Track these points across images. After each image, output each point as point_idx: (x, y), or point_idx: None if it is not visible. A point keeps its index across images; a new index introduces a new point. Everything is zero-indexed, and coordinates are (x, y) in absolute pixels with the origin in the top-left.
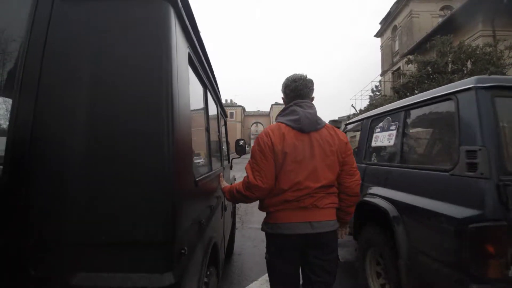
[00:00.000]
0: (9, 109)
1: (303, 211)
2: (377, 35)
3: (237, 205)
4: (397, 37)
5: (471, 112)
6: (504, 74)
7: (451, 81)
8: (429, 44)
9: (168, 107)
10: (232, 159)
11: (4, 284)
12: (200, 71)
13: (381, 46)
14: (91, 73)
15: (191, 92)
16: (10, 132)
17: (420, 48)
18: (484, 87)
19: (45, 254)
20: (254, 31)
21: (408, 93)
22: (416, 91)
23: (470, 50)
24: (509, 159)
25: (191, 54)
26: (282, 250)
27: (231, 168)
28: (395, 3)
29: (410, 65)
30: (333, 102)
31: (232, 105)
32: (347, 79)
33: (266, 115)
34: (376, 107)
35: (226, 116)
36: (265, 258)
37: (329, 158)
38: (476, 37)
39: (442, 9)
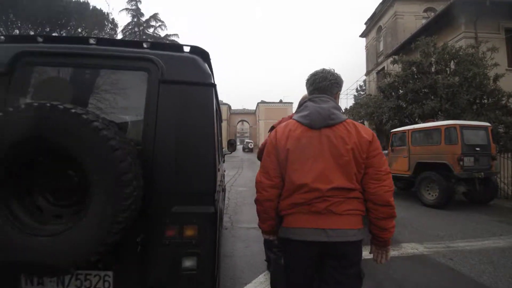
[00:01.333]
0: (142, 137)
1: (316, 216)
2: (362, 35)
3: (226, 203)
4: (382, 38)
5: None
6: (486, 74)
7: (435, 81)
8: (413, 45)
9: (214, 136)
10: (225, 154)
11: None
12: (217, 110)
13: (366, 46)
14: (177, 118)
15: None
16: (143, 144)
17: (404, 48)
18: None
19: (162, 195)
20: (242, 30)
21: (393, 92)
22: (401, 90)
23: (453, 51)
24: None
25: (216, 106)
26: (293, 257)
27: (224, 161)
28: (380, 4)
29: (395, 65)
30: None
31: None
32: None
33: (252, 113)
34: (361, 106)
35: (221, 121)
36: (269, 270)
37: (342, 158)
38: (459, 39)
39: (425, 10)
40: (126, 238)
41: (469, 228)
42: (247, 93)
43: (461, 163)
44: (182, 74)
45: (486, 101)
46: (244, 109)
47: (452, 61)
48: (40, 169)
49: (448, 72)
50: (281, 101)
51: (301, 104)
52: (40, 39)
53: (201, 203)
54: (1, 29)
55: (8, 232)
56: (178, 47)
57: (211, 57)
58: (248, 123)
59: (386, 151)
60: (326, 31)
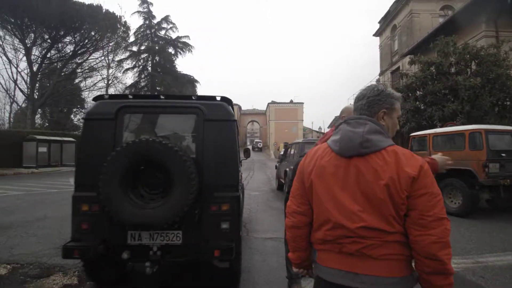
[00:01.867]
0: (196, 152)
1: (348, 257)
2: (376, 34)
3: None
4: (397, 37)
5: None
6: (509, 75)
7: (456, 83)
8: (432, 45)
9: (236, 152)
10: (241, 160)
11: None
12: (237, 133)
13: (380, 46)
14: (214, 140)
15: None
16: (196, 156)
17: (420, 47)
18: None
19: (208, 186)
20: (253, 31)
21: (410, 94)
22: (419, 92)
23: (474, 51)
24: None
25: (236, 132)
26: None
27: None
28: (395, 2)
29: (413, 65)
30: (330, 100)
31: None
32: (345, 78)
33: (262, 113)
34: None
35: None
36: None
37: (375, 195)
38: (479, 38)
39: (442, 8)
40: (189, 211)
41: (497, 240)
42: (258, 93)
43: (486, 169)
44: (216, 115)
45: (509, 103)
46: (254, 109)
47: (473, 62)
48: (142, 173)
49: (469, 73)
50: (291, 101)
51: (338, 125)
52: (130, 97)
53: (230, 191)
54: (17, 32)
55: (130, 208)
56: (213, 97)
57: (222, 55)
58: (258, 123)
59: None
60: (338, 30)
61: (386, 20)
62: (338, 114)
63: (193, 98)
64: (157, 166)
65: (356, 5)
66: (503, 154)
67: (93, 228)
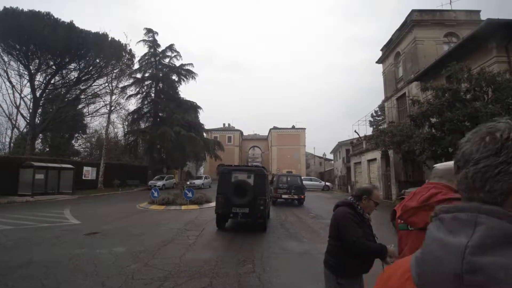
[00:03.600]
0: (253, 183)
1: None
2: (378, 62)
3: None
4: (401, 63)
5: None
6: None
7: (475, 110)
8: (444, 71)
9: (266, 186)
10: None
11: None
12: (267, 178)
13: (384, 72)
14: (258, 181)
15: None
16: (254, 184)
17: (427, 74)
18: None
19: (257, 196)
20: (258, 55)
21: (424, 121)
22: (433, 119)
23: (490, 76)
24: None
25: (267, 178)
26: None
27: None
28: (397, 30)
29: (426, 91)
30: (331, 126)
31: (230, 129)
32: (346, 103)
33: (264, 139)
34: (385, 134)
35: (268, 176)
36: None
37: None
38: (491, 63)
39: (446, 35)
40: (251, 202)
41: None
42: (260, 118)
43: None
44: (259, 172)
45: None
46: (255, 134)
47: (489, 88)
48: (237, 189)
49: (486, 99)
50: (293, 127)
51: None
52: (233, 165)
53: (263, 197)
54: (21, 58)
55: (234, 199)
56: (259, 167)
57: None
58: (260, 149)
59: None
60: (339, 56)
61: (389, 48)
62: (340, 140)
63: (253, 166)
64: (242, 188)
65: (359, 33)
66: None
67: (222, 206)
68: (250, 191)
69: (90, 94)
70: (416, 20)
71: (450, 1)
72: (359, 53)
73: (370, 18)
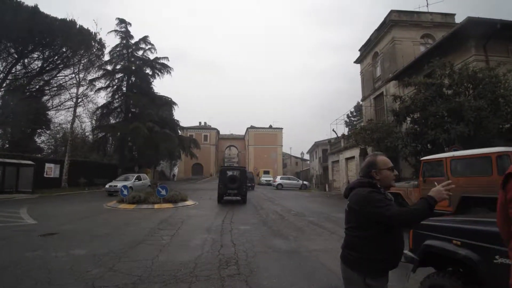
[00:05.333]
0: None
1: None
2: (356, 62)
3: (232, 251)
4: (379, 63)
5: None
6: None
7: (460, 104)
8: (427, 66)
9: (247, 178)
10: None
11: None
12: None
13: (361, 72)
14: (242, 175)
15: None
16: (239, 177)
17: (405, 73)
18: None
19: (243, 184)
20: (235, 54)
21: (407, 116)
22: (417, 115)
23: (472, 72)
24: None
25: (247, 175)
26: None
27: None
28: (376, 30)
29: (404, 88)
30: (308, 126)
31: (206, 127)
32: (323, 103)
33: (241, 138)
34: (365, 131)
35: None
36: None
37: None
38: (470, 62)
39: (422, 37)
40: (240, 186)
41: None
42: (236, 118)
43: None
44: (242, 169)
45: None
46: (231, 134)
47: (471, 83)
48: (231, 180)
49: (467, 94)
50: (271, 127)
51: None
52: (227, 165)
53: (244, 184)
54: None
55: (229, 186)
56: (243, 167)
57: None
58: (236, 148)
59: (412, 182)
60: (316, 57)
61: (367, 48)
62: (317, 140)
63: (239, 167)
64: (235, 179)
65: (336, 33)
66: None
67: (222, 189)
68: (238, 181)
69: (55, 85)
70: (395, 20)
71: (427, 4)
72: (332, 57)
73: (340, 25)
